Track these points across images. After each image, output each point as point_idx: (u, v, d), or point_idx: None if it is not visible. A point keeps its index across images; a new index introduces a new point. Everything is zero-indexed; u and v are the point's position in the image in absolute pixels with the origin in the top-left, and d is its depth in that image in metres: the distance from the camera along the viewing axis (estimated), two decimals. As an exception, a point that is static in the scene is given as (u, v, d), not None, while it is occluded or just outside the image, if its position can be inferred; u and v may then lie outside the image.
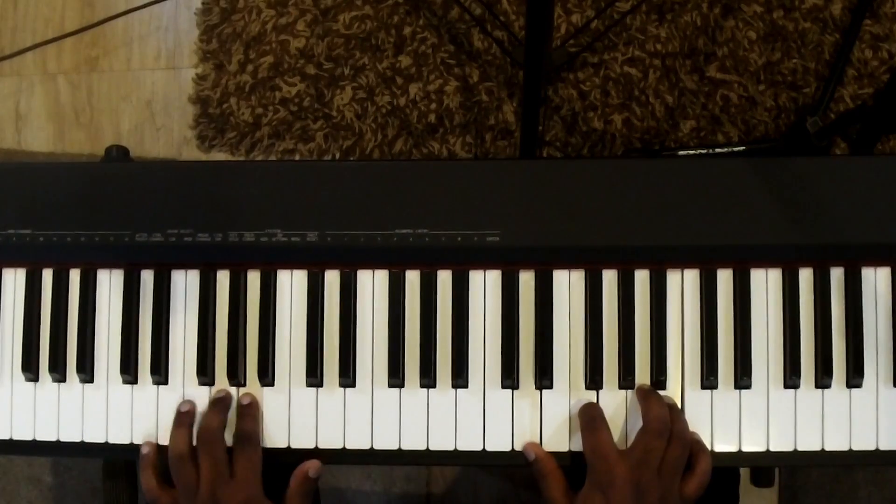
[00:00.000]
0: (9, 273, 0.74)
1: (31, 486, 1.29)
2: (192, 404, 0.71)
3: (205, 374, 0.71)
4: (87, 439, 0.72)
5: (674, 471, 0.66)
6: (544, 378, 0.70)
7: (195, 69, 1.32)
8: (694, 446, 0.68)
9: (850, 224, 0.69)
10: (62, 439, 0.72)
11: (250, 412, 0.70)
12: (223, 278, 0.72)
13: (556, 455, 0.69)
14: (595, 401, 0.70)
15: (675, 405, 0.69)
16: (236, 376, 0.71)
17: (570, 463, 0.69)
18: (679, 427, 0.67)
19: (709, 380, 0.69)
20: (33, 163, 1.00)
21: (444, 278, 0.71)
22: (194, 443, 0.69)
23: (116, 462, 0.79)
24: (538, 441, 0.70)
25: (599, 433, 0.67)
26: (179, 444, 0.69)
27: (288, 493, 0.69)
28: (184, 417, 0.70)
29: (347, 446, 0.71)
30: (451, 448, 0.70)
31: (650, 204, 0.69)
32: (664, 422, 0.66)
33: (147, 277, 0.73)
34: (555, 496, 0.67)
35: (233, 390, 0.72)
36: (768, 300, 0.70)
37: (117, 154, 0.78)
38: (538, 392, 0.70)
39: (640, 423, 0.68)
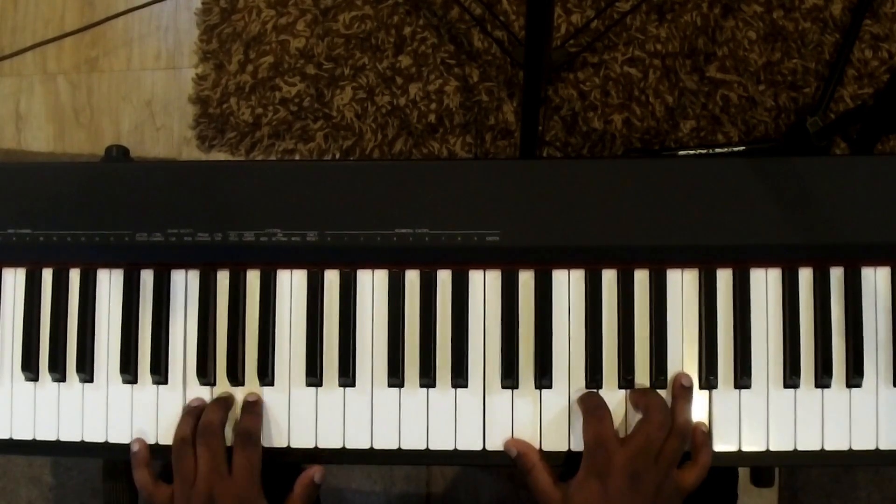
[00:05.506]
0: (9, 273, 0.74)
1: (31, 486, 1.29)
2: (202, 400, 0.71)
3: (205, 373, 0.71)
4: (87, 439, 0.72)
5: (671, 461, 0.66)
6: (544, 378, 0.70)
7: (195, 69, 1.32)
8: (698, 437, 0.68)
9: (850, 224, 0.69)
10: (62, 439, 0.72)
11: (254, 409, 0.70)
12: (223, 278, 0.72)
13: (557, 455, 0.69)
14: (595, 398, 0.70)
15: (684, 394, 0.68)
16: (236, 376, 0.71)
17: (563, 463, 0.69)
18: (681, 420, 0.67)
19: (708, 379, 0.69)
20: (33, 163, 1.00)
21: (444, 278, 0.71)
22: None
23: (116, 462, 0.79)
24: (537, 439, 0.70)
25: (604, 421, 0.67)
26: (184, 429, 0.69)
27: (291, 498, 0.70)
28: (193, 410, 0.70)
29: (347, 446, 0.71)
30: (451, 448, 0.70)
31: (650, 204, 0.69)
32: (666, 414, 0.67)
33: (147, 277, 0.73)
34: (544, 487, 0.67)
35: (233, 390, 0.72)
36: (768, 300, 0.70)
37: (117, 154, 0.78)
38: (538, 392, 0.70)
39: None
